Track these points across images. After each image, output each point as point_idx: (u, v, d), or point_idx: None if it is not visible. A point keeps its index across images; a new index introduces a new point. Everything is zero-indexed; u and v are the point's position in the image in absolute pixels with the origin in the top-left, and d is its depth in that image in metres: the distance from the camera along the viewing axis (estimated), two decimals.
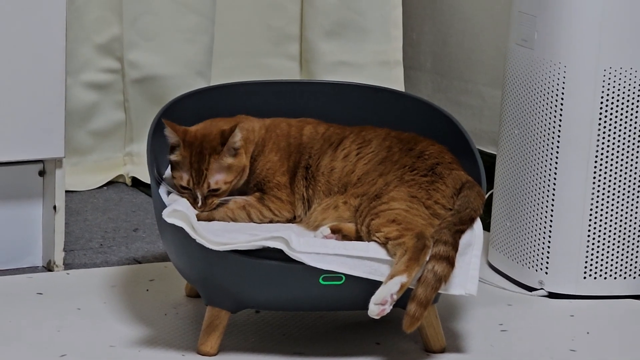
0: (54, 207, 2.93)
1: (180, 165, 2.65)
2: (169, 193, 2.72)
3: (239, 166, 2.66)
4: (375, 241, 2.52)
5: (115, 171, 3.59)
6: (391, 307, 2.42)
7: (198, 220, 2.58)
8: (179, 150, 2.65)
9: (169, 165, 2.74)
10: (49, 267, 2.97)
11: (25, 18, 2.81)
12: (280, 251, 2.47)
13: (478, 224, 2.59)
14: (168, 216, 2.51)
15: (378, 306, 2.42)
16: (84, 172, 3.52)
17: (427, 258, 2.47)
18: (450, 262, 2.49)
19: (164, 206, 2.57)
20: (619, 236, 2.92)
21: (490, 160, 3.05)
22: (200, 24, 3.56)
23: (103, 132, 3.57)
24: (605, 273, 2.93)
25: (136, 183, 3.57)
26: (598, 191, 2.90)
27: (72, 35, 3.26)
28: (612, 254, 2.93)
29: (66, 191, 3.01)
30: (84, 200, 3.42)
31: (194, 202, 2.63)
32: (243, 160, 2.67)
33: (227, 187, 2.65)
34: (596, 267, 2.93)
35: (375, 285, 2.44)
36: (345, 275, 2.48)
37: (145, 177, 3.46)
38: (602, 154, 2.88)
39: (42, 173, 2.95)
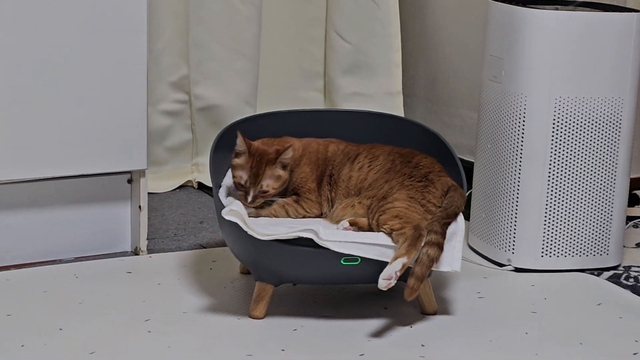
0: (139, 207, 2.95)
1: (242, 167, 2.67)
2: (227, 195, 2.75)
3: (285, 178, 2.69)
4: (383, 232, 2.54)
5: (185, 177, 3.60)
6: (395, 281, 2.45)
7: (249, 216, 2.61)
8: (243, 156, 2.67)
9: (227, 173, 2.76)
10: (135, 252, 2.98)
11: (117, 66, 2.82)
12: (311, 240, 2.49)
13: (461, 218, 2.61)
14: (226, 214, 2.54)
15: (385, 280, 2.44)
16: (161, 179, 3.54)
17: (422, 244, 2.49)
18: (440, 246, 2.51)
19: (223, 206, 2.59)
20: (567, 225, 2.93)
21: (469, 166, 3.06)
22: (248, 66, 3.57)
23: (175, 148, 3.58)
24: (558, 252, 2.94)
25: (201, 187, 3.58)
26: (551, 191, 2.91)
27: (151, 75, 3.25)
28: (562, 238, 2.93)
29: (148, 193, 3.02)
30: (162, 200, 3.44)
31: (245, 198, 2.66)
32: (286, 176, 2.70)
33: (273, 191, 2.68)
34: (551, 248, 2.94)
35: (383, 265, 2.47)
36: (360, 257, 2.50)
37: (208, 182, 3.47)
38: (554, 163, 2.89)
39: (130, 181, 2.97)
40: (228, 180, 2.78)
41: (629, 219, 3.25)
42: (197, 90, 3.55)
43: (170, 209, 3.35)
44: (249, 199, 2.66)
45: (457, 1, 3.61)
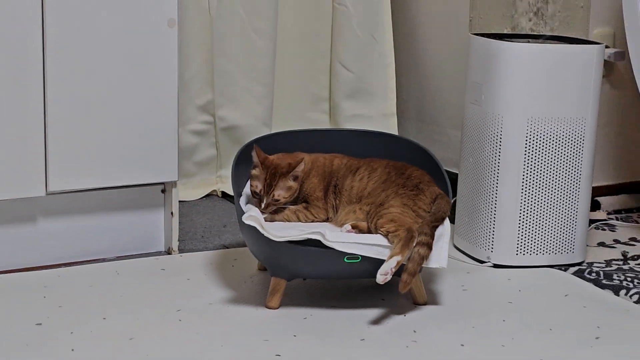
0: (171, 213, 2.96)
1: (258, 178, 2.67)
2: (246, 202, 2.75)
3: (296, 188, 2.69)
4: (380, 233, 2.54)
5: (210, 187, 3.60)
6: (391, 276, 2.45)
7: (265, 221, 2.61)
8: (258, 168, 2.67)
9: (247, 183, 2.77)
10: (168, 252, 2.99)
11: (152, 92, 2.84)
12: (319, 241, 2.49)
13: (447, 222, 2.61)
14: (246, 219, 2.54)
15: (382, 275, 2.44)
16: (190, 189, 3.54)
17: (414, 244, 2.49)
18: (429, 246, 2.51)
19: (243, 212, 2.60)
20: (538, 227, 2.93)
21: (454, 177, 3.05)
22: (265, 91, 3.58)
23: (202, 162, 3.58)
24: (531, 251, 2.94)
25: (224, 195, 3.58)
26: (525, 198, 2.90)
27: (182, 100, 3.25)
28: (535, 238, 2.93)
29: (179, 201, 3.03)
30: (191, 207, 3.44)
31: (259, 204, 2.66)
32: (296, 186, 2.69)
33: (284, 200, 2.68)
34: (524, 247, 2.93)
35: (380, 262, 2.47)
36: (361, 256, 2.50)
37: (230, 192, 3.45)
38: (527, 173, 2.89)
39: (163, 191, 2.98)
40: (247, 189, 2.79)
41: (591, 222, 3.25)
42: (221, 112, 3.55)
43: (198, 215, 3.35)
44: (263, 205, 2.66)
45: (442, 36, 3.61)
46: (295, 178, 2.68)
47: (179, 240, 2.99)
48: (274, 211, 2.67)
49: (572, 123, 2.88)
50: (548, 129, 2.87)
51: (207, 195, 3.58)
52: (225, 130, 3.56)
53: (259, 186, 2.66)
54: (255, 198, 2.68)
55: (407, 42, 3.76)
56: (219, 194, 3.59)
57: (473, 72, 2.96)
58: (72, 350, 2.32)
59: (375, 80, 3.69)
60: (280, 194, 2.66)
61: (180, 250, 2.99)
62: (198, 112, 3.53)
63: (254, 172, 2.68)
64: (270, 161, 2.68)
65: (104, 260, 2.91)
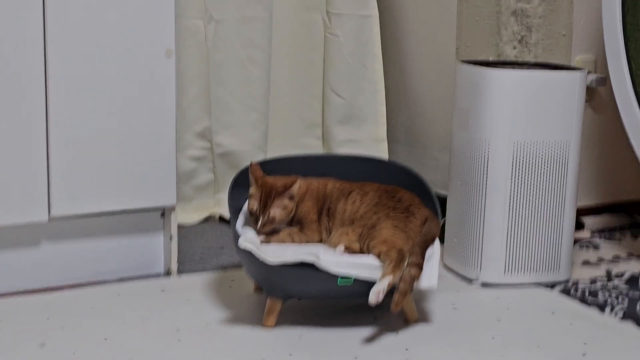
0: (170, 236, 2.93)
1: (254, 197, 2.64)
2: (243, 224, 2.72)
3: (291, 207, 2.66)
4: (372, 254, 2.53)
5: (208, 211, 3.57)
6: (383, 296, 2.42)
7: (261, 243, 2.59)
8: (254, 187, 2.64)
9: (243, 207, 2.75)
10: (168, 273, 2.96)
11: (150, 119, 2.82)
12: (313, 263, 2.48)
13: (437, 243, 2.60)
14: (242, 244, 2.52)
15: (375, 295, 2.42)
16: (189, 212, 3.51)
17: (405, 265, 2.47)
18: (420, 267, 2.49)
19: (238, 235, 2.58)
20: (525, 247, 2.91)
21: (443, 199, 3.04)
22: (260, 118, 3.56)
23: (200, 186, 3.56)
24: (518, 270, 2.92)
25: (221, 219, 3.55)
26: (512, 219, 2.89)
27: (179, 126, 3.26)
28: (522, 258, 2.91)
29: (177, 225, 3.01)
30: (189, 230, 3.41)
31: (255, 224, 2.63)
32: (291, 206, 2.67)
33: (280, 219, 2.65)
34: (512, 266, 2.91)
35: (372, 283, 2.44)
36: (354, 277, 2.48)
37: (228, 215, 3.46)
38: (514, 195, 2.87)
39: (162, 215, 2.95)
40: (242, 218, 2.76)
41: (576, 241, 3.23)
42: (218, 138, 3.54)
43: (196, 237, 3.33)
44: (259, 225, 2.63)
45: (430, 64, 3.61)
46: (291, 198, 2.66)
47: (177, 262, 2.97)
48: (269, 233, 2.65)
49: (557, 146, 2.87)
50: (533, 153, 2.86)
51: (206, 219, 3.55)
52: (222, 155, 3.54)
53: (255, 205, 2.64)
54: (252, 217, 2.66)
55: (396, 70, 3.75)
56: (217, 217, 3.56)
57: (460, 98, 2.95)
58: None
59: (366, 106, 3.68)
60: (276, 212, 2.64)
61: (179, 272, 2.97)
62: (196, 138, 3.51)
63: (251, 191, 2.66)
64: (266, 181, 2.66)
65: (105, 282, 2.88)
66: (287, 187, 2.65)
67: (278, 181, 2.67)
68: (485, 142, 2.86)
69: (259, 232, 2.63)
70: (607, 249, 3.29)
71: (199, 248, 3.22)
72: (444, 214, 2.95)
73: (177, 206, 2.95)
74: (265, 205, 2.64)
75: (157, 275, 2.95)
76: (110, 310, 2.66)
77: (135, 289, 2.84)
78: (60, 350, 2.40)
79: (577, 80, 2.87)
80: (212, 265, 3.05)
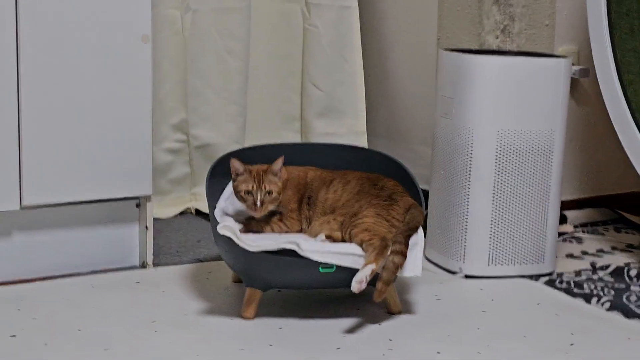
0: (146, 227, 2.85)
1: (245, 181, 2.54)
2: (221, 215, 2.64)
3: (280, 185, 2.57)
4: (355, 243, 2.45)
5: (184, 205, 3.49)
6: (366, 284, 2.35)
7: (240, 232, 2.51)
8: (244, 175, 2.55)
9: (220, 196, 2.67)
10: (143, 266, 2.88)
11: (126, 111, 2.75)
12: (294, 251, 2.40)
13: (421, 231, 2.53)
14: (220, 229, 2.45)
15: (357, 284, 2.35)
16: (165, 206, 3.43)
17: (388, 253, 2.40)
18: (403, 255, 2.42)
19: (217, 223, 2.50)
20: (509, 239, 2.84)
21: (424, 193, 2.97)
22: (238, 111, 3.49)
23: (176, 180, 3.48)
24: (502, 261, 2.85)
25: (198, 213, 3.47)
26: (496, 210, 2.83)
27: (156, 118, 3.16)
28: (506, 250, 2.85)
29: (154, 219, 2.94)
30: (165, 224, 3.33)
31: (253, 205, 2.53)
32: (281, 184, 2.58)
33: (275, 195, 2.55)
34: (496, 258, 2.85)
35: (355, 271, 2.37)
36: (336, 265, 2.40)
37: (204, 209, 3.39)
38: (498, 185, 2.81)
39: (138, 205, 2.87)
40: (222, 203, 2.69)
41: (559, 234, 3.17)
42: (194, 131, 3.46)
43: (172, 231, 3.24)
44: (258, 203, 2.53)
45: (411, 55, 3.55)
46: (276, 174, 2.57)
47: (153, 255, 2.88)
48: (252, 218, 2.56)
49: (542, 135, 2.81)
50: (518, 141, 2.79)
51: (182, 213, 3.47)
52: (198, 148, 3.47)
53: (249, 185, 2.53)
54: (248, 201, 2.55)
55: (376, 62, 3.69)
56: (193, 211, 3.49)
57: (443, 86, 2.88)
58: None
59: (346, 99, 3.61)
60: (271, 187, 2.54)
61: (155, 265, 2.88)
62: (172, 130, 3.43)
63: (240, 178, 2.56)
64: (251, 167, 2.57)
65: (78, 274, 2.79)
66: (271, 165, 2.56)
67: (261, 165, 2.59)
68: (469, 130, 2.80)
69: (257, 212, 2.53)
70: (591, 243, 3.23)
71: (175, 241, 3.13)
72: (425, 207, 2.88)
73: (153, 200, 2.87)
74: (259, 181, 2.54)
75: (132, 268, 2.86)
76: (83, 302, 2.57)
77: (110, 280, 2.75)
78: (32, 341, 2.31)
79: (562, 68, 2.81)
80: (189, 258, 2.97)
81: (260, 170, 2.56)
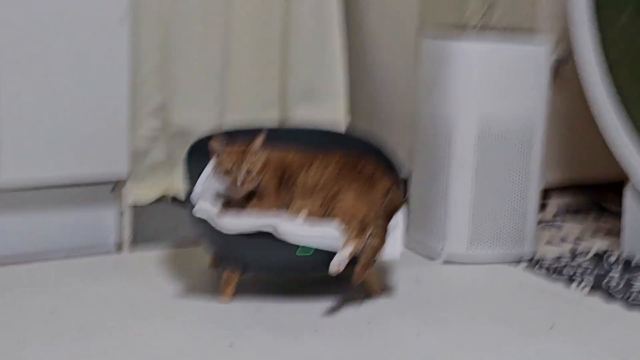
0: (122, 211, 2.83)
1: (225, 162, 2.50)
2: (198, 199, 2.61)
3: (260, 164, 2.53)
4: (333, 225, 2.42)
5: (162, 191, 3.44)
6: (344, 267, 2.32)
7: (218, 215, 2.48)
8: (223, 155, 2.51)
9: (198, 180, 2.64)
10: (119, 249, 2.85)
11: (103, 97, 2.73)
12: (271, 233, 2.37)
13: (400, 214, 2.50)
14: (197, 211, 2.41)
15: (336, 267, 2.32)
16: (142, 192, 3.38)
17: (367, 235, 2.37)
18: (382, 238, 2.39)
19: (194, 205, 2.47)
20: (490, 224, 2.82)
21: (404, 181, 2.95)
22: (216, 97, 3.45)
23: (153, 166, 3.43)
24: (483, 246, 2.83)
25: (175, 199, 3.43)
26: (476, 195, 2.80)
27: (133, 103, 3.16)
28: (486, 235, 2.82)
29: (130, 205, 2.91)
30: (142, 210, 3.27)
31: (234, 185, 2.49)
32: (261, 163, 2.54)
33: (255, 174, 2.51)
34: (476, 243, 2.83)
35: (333, 255, 2.34)
36: (313, 248, 2.37)
37: (182, 195, 3.34)
38: (479, 170, 2.79)
39: (114, 189, 2.84)
40: (199, 186, 2.65)
41: (539, 221, 3.14)
42: (172, 116, 3.41)
43: (149, 216, 3.20)
44: (238, 182, 2.49)
45: (392, 42, 3.52)
46: (256, 153, 2.53)
47: (130, 240, 2.84)
48: (225, 206, 2.53)
49: (522, 120, 2.79)
50: (498, 126, 2.77)
51: (159, 199, 3.42)
52: (176, 134, 3.42)
53: (229, 163, 2.50)
54: (228, 177, 2.51)
55: (356, 48, 3.66)
56: (170, 197, 3.44)
57: (424, 71, 2.86)
58: (18, 343, 2.16)
59: (326, 85, 3.58)
60: (251, 166, 2.51)
61: (131, 249, 2.85)
62: (149, 116, 3.38)
63: (220, 158, 2.52)
64: (232, 147, 2.53)
65: (54, 258, 2.75)
66: (252, 143, 2.53)
67: (241, 144, 2.55)
68: (450, 115, 2.77)
69: (238, 190, 2.50)
70: (570, 230, 3.21)
71: (152, 226, 3.09)
72: (407, 191, 2.86)
73: (130, 186, 2.84)
74: (240, 158, 2.50)
75: (109, 252, 2.83)
76: (58, 285, 2.54)
77: (86, 264, 2.71)
78: (5, 322, 2.27)
79: (542, 54, 2.79)
80: (166, 243, 2.93)
81: (240, 149, 2.52)
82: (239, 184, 2.49)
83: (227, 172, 2.50)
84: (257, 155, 2.53)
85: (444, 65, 2.78)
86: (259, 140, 2.53)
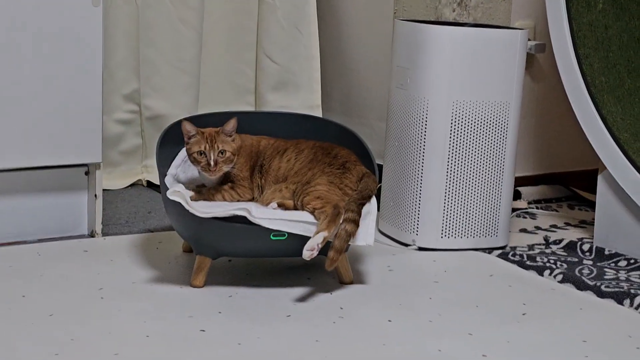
0: (95, 195, 2.79)
1: (198, 143, 2.48)
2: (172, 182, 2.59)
3: (234, 146, 2.52)
4: (307, 211, 2.41)
5: (135, 177, 3.43)
6: (317, 252, 2.32)
7: (191, 200, 2.46)
8: (197, 136, 2.49)
9: (172, 163, 2.62)
10: (91, 235, 2.82)
11: (77, 78, 2.70)
12: (245, 217, 2.36)
13: (374, 200, 2.49)
14: (170, 195, 2.40)
15: (309, 251, 2.31)
16: (115, 178, 3.37)
17: (341, 221, 2.37)
18: (356, 223, 2.38)
19: (168, 189, 2.45)
20: (463, 211, 2.82)
21: (378, 168, 2.94)
22: (191, 82, 3.43)
23: (127, 151, 3.42)
24: (455, 234, 2.83)
25: (149, 185, 3.42)
26: (449, 182, 2.80)
27: (107, 88, 3.13)
28: (459, 222, 2.82)
29: (103, 189, 2.88)
30: (116, 195, 3.26)
31: (207, 166, 2.47)
32: (235, 145, 2.53)
33: (228, 154, 2.49)
34: (449, 231, 2.82)
35: (307, 240, 2.33)
36: (287, 233, 2.37)
37: (156, 181, 3.32)
38: (452, 157, 2.78)
39: (87, 173, 2.81)
40: (173, 170, 2.64)
41: (513, 210, 3.15)
42: (146, 101, 3.39)
43: (123, 202, 3.18)
44: (211, 162, 2.47)
45: (367, 29, 3.51)
46: (230, 135, 2.52)
47: (102, 225, 2.83)
48: (198, 191, 2.51)
49: (497, 107, 2.78)
50: (473, 113, 2.77)
51: (133, 185, 3.41)
52: (150, 119, 3.41)
53: (202, 146, 2.48)
54: (201, 162, 2.49)
55: (332, 35, 3.65)
56: (145, 183, 3.43)
57: (399, 56, 2.85)
58: None
59: (301, 73, 3.57)
60: (224, 145, 2.49)
61: (104, 234, 2.83)
62: (123, 101, 3.37)
63: (192, 140, 2.50)
64: (204, 129, 2.52)
65: (25, 242, 2.73)
66: (223, 126, 2.52)
67: (214, 127, 2.54)
68: (424, 101, 2.76)
69: (211, 172, 2.48)
70: (544, 219, 3.21)
71: (126, 212, 3.07)
72: (379, 180, 2.85)
73: (103, 171, 2.82)
74: (212, 142, 2.49)
75: (81, 236, 2.80)
76: (29, 270, 2.52)
77: (57, 248, 2.69)
78: None
79: (518, 40, 2.78)
80: (139, 228, 2.91)
81: (213, 131, 2.51)
82: (212, 164, 2.47)
83: (201, 154, 2.48)
84: (231, 137, 2.52)
85: (418, 49, 2.77)
86: (232, 122, 2.52)
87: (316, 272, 2.55)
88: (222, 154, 2.48)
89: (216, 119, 2.69)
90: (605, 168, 2.79)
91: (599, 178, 2.85)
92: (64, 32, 2.65)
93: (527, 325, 2.30)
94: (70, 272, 2.51)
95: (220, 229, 2.38)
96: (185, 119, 2.61)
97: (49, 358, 2.01)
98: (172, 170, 2.64)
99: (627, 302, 2.45)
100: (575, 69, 2.83)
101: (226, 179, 2.57)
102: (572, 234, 3.03)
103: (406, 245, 2.85)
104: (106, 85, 3.11)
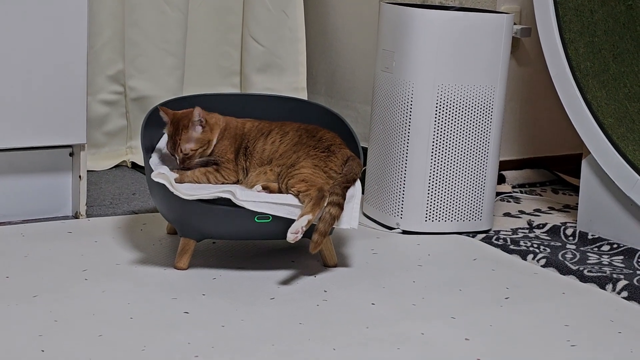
0: (79, 176, 2.79)
1: (168, 137, 2.51)
2: (159, 163, 2.59)
3: (204, 139, 2.53)
4: (291, 193, 2.42)
5: (120, 158, 3.42)
6: (302, 235, 2.32)
7: (175, 182, 2.46)
8: (167, 126, 2.52)
9: (158, 143, 2.62)
10: (76, 216, 2.81)
11: (62, 59, 2.69)
12: (229, 200, 2.36)
13: (358, 183, 2.50)
14: (154, 177, 2.40)
15: (293, 234, 2.32)
16: (99, 159, 3.37)
17: (325, 204, 2.37)
18: (340, 206, 2.39)
19: (152, 170, 2.45)
20: (447, 195, 2.83)
21: (363, 151, 2.94)
22: (176, 63, 3.43)
23: (112, 132, 3.41)
24: (439, 218, 2.83)
25: (134, 166, 3.41)
26: (434, 166, 2.80)
27: (92, 69, 3.13)
28: (443, 206, 2.83)
29: (87, 171, 2.88)
30: (100, 176, 3.26)
31: (177, 162, 2.52)
32: (208, 135, 2.54)
33: (193, 153, 2.51)
34: (433, 214, 2.83)
35: (291, 222, 2.34)
36: (272, 215, 2.37)
37: (140, 162, 3.32)
38: (437, 141, 2.79)
39: (71, 154, 2.80)
40: (157, 153, 2.64)
41: (497, 194, 3.16)
42: (131, 83, 3.39)
43: (107, 184, 3.18)
44: (178, 162, 2.51)
45: (353, 12, 3.51)
46: (201, 125, 2.52)
47: (86, 206, 2.82)
48: (183, 168, 2.51)
49: (482, 90, 2.79)
50: (458, 96, 2.77)
51: (117, 166, 3.40)
52: (135, 100, 3.40)
53: (169, 144, 2.52)
54: (173, 157, 2.53)
55: (317, 18, 3.64)
56: (129, 164, 3.42)
57: (384, 39, 2.85)
58: None
59: (286, 55, 3.56)
60: (186, 147, 2.51)
61: (88, 215, 2.83)
62: (108, 82, 3.36)
63: (165, 130, 2.53)
64: (176, 116, 2.53)
65: (9, 223, 2.72)
66: (189, 117, 2.52)
67: (184, 113, 2.54)
68: (409, 84, 2.77)
69: (180, 171, 2.50)
70: (528, 203, 3.22)
71: (110, 193, 3.07)
72: (364, 163, 2.85)
73: (87, 152, 2.81)
74: (175, 142, 2.51)
75: (65, 218, 2.80)
76: (13, 250, 2.51)
77: (41, 229, 2.69)
78: None
79: (503, 24, 2.79)
80: (123, 210, 2.91)
81: (181, 124, 2.51)
82: (178, 162, 2.49)
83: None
84: (201, 125, 2.53)
85: (403, 32, 2.77)
86: (195, 112, 2.51)
87: (300, 255, 2.55)
88: (186, 155, 2.50)
89: (201, 101, 2.69)
90: (590, 153, 2.80)
91: (583, 163, 2.86)
92: (49, 12, 2.64)
93: (510, 309, 2.31)
94: (54, 253, 2.50)
95: (205, 211, 2.38)
96: (166, 103, 2.61)
97: (32, 339, 2.01)
98: (156, 151, 2.63)
99: (609, 286, 2.46)
100: (560, 53, 2.84)
101: (211, 161, 2.57)
102: (555, 219, 3.04)
103: (390, 228, 2.85)
104: (91, 66, 3.10)
